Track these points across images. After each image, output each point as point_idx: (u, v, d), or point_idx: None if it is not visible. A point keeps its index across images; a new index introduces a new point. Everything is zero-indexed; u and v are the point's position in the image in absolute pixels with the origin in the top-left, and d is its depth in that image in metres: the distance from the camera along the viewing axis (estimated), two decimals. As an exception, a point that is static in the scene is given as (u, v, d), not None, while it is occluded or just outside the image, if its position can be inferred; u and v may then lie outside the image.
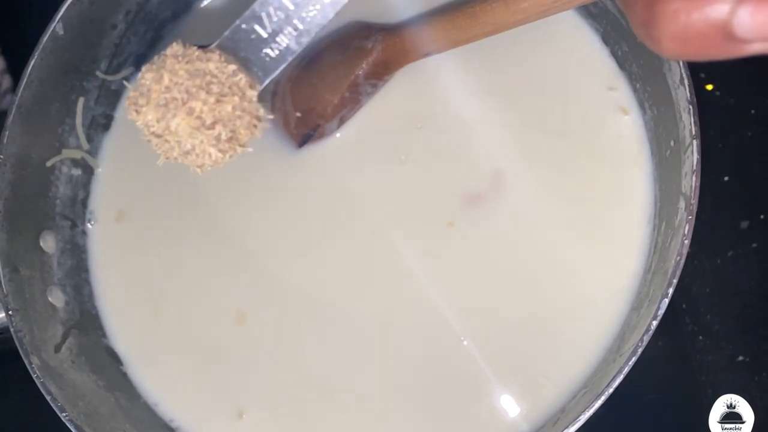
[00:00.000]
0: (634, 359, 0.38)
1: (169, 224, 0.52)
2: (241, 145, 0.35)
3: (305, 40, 0.34)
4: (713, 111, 0.58)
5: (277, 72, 0.35)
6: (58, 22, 0.46)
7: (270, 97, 0.51)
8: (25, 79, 0.46)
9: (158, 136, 0.35)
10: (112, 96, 0.54)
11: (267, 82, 0.35)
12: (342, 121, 0.50)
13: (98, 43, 0.51)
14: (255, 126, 0.35)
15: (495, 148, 0.49)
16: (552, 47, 0.51)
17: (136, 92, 0.35)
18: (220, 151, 0.35)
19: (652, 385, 0.55)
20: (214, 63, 0.34)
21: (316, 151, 0.51)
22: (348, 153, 0.51)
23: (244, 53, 0.35)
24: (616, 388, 0.39)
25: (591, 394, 0.40)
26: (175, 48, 0.35)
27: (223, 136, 0.34)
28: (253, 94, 0.35)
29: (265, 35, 0.34)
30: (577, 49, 0.50)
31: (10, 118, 0.46)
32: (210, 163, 0.36)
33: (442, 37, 0.48)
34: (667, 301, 0.39)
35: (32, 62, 0.46)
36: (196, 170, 0.36)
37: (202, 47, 0.35)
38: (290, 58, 0.35)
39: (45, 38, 0.46)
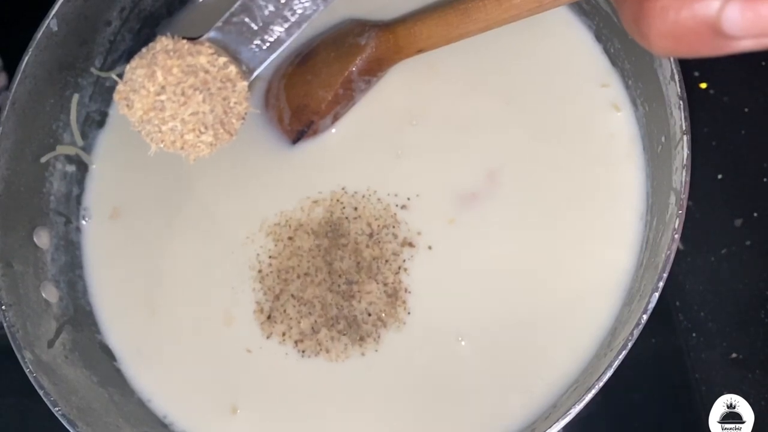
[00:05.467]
0: (624, 353, 0.38)
1: (163, 221, 0.52)
2: (231, 135, 0.35)
3: (296, 32, 0.34)
4: (707, 109, 0.59)
5: (268, 63, 0.35)
6: (52, 18, 0.47)
7: (264, 93, 0.52)
8: (19, 75, 0.46)
9: (149, 127, 0.35)
10: (107, 93, 0.54)
11: (257, 73, 0.35)
12: (336, 118, 0.51)
13: (92, 39, 0.51)
14: (244, 116, 0.35)
15: (489, 146, 0.50)
16: (545, 44, 0.51)
17: (127, 86, 0.35)
18: (211, 144, 0.35)
19: (646, 384, 0.55)
20: (205, 56, 0.34)
21: (311, 147, 0.51)
22: (343, 149, 0.51)
23: (234, 45, 0.35)
24: (611, 387, 0.39)
25: (582, 389, 0.40)
26: (164, 42, 0.35)
27: (215, 129, 0.35)
28: (243, 85, 0.35)
29: (255, 27, 0.34)
30: (570, 46, 0.51)
31: (4, 114, 0.46)
32: (201, 153, 0.36)
33: (435, 33, 0.48)
34: (657, 295, 0.39)
35: (26, 58, 0.46)
36: (187, 159, 0.37)
37: (192, 40, 0.35)
38: (280, 50, 0.35)
39: (39, 34, 0.46)
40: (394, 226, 0.48)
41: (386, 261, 0.48)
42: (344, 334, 0.47)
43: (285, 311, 0.48)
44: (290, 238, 0.48)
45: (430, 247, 0.48)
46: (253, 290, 0.49)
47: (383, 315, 0.46)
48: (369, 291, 0.47)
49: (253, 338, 0.48)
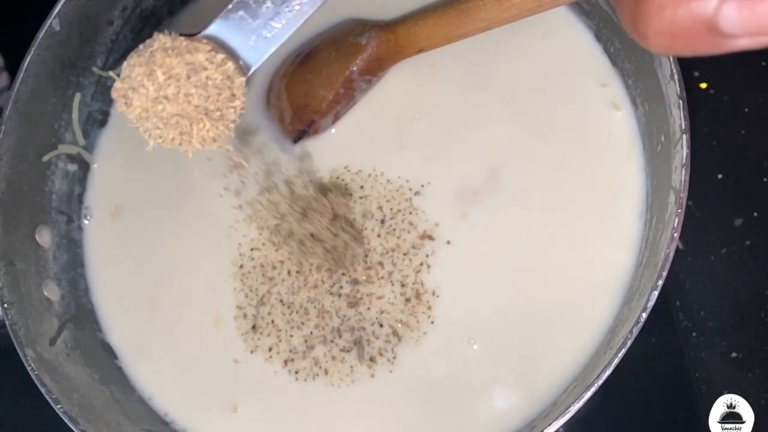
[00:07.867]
0: (623, 351, 0.38)
1: (165, 220, 0.52)
2: (229, 130, 0.36)
3: (293, 27, 0.34)
4: (707, 109, 0.59)
5: (265, 58, 0.35)
6: (54, 18, 0.47)
7: (265, 93, 0.52)
8: (21, 75, 0.46)
9: (147, 124, 0.35)
10: (108, 92, 0.53)
11: (255, 68, 0.35)
12: (337, 117, 0.51)
13: (94, 39, 0.51)
14: (242, 112, 0.36)
15: (490, 145, 0.50)
16: (545, 44, 0.51)
17: (124, 84, 0.35)
18: (209, 140, 0.35)
19: (646, 383, 0.55)
20: (203, 53, 0.34)
21: (312, 146, 0.51)
22: (345, 144, 0.50)
23: (232, 41, 0.35)
24: (611, 387, 0.39)
25: (581, 387, 0.40)
26: (162, 40, 0.35)
27: (213, 125, 0.35)
28: (241, 81, 0.35)
29: (253, 23, 0.35)
30: (570, 46, 0.51)
31: (6, 113, 0.46)
32: (200, 148, 0.36)
33: (436, 33, 0.48)
34: (656, 293, 0.39)
35: (28, 58, 0.46)
36: (185, 155, 0.37)
37: (189, 36, 0.35)
38: (278, 45, 0.35)
39: (41, 34, 0.47)
40: (410, 213, 0.44)
41: (404, 254, 0.43)
42: (347, 352, 0.42)
43: (272, 321, 0.44)
44: (277, 225, 0.43)
45: (449, 242, 0.46)
46: (234, 290, 0.46)
47: (399, 326, 0.40)
48: (381, 295, 0.42)
49: (238, 349, 0.45)
